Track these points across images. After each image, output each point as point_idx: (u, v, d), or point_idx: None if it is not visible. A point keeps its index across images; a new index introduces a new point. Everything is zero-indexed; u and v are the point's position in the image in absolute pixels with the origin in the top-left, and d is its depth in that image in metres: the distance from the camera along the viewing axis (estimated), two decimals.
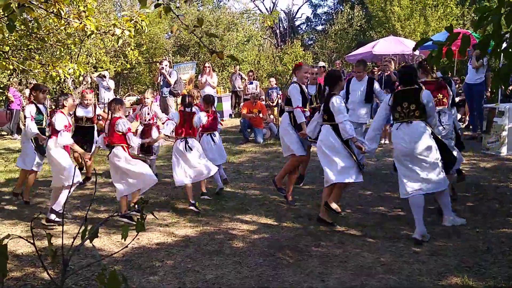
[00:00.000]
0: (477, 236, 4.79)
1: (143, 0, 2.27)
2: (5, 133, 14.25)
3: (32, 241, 1.43)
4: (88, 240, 1.47)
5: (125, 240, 1.54)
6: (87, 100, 7.24)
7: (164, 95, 12.15)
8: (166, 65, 12.15)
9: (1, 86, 12.67)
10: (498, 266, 4.07)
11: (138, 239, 4.99)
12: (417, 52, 14.48)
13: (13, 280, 4.06)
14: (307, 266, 4.20)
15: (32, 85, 7.00)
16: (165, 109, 12.07)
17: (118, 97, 14.36)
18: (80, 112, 7.21)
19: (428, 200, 6.00)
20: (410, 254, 4.41)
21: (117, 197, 5.66)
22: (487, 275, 3.91)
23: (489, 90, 10.33)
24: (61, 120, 5.57)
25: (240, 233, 5.12)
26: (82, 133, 7.18)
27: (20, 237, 1.51)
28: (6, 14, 2.55)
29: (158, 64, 15.85)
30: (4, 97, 12.98)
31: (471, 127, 10.42)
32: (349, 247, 4.62)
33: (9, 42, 3.72)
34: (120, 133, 5.51)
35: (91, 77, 13.26)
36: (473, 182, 6.71)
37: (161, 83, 12.25)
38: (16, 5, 2.57)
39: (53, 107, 14.97)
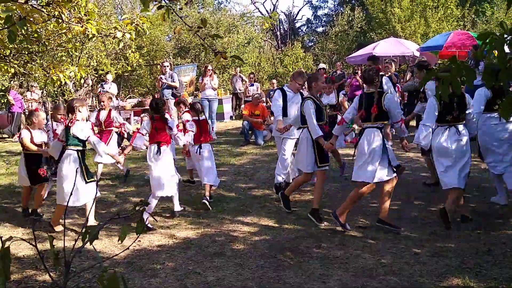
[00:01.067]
0: (478, 237, 4.79)
1: (145, 2, 2.27)
2: (6, 136, 14.29)
3: (34, 243, 1.44)
4: (89, 242, 1.47)
5: (121, 242, 1.55)
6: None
7: (166, 98, 12.19)
8: (167, 66, 12.22)
9: (2, 89, 12.72)
10: (499, 267, 4.07)
11: (139, 241, 5.00)
12: (417, 54, 14.54)
13: (15, 282, 4.07)
14: (308, 268, 4.20)
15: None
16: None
17: (119, 100, 14.42)
18: (39, 137, 5.96)
19: (430, 201, 6.02)
20: (411, 255, 4.41)
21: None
22: (488, 276, 3.91)
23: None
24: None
25: (241, 235, 5.13)
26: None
27: (22, 239, 1.51)
28: (7, 26, 2.55)
29: (159, 66, 15.93)
30: (5, 100, 13.02)
31: None
32: (350, 249, 4.63)
33: (10, 45, 3.74)
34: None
35: (91, 80, 13.32)
36: (475, 183, 6.71)
37: (163, 85, 12.31)
38: (18, 18, 2.58)
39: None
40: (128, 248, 4.26)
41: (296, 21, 37.20)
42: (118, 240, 1.48)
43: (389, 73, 10.46)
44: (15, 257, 4.63)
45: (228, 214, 5.87)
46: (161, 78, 12.14)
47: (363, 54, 16.06)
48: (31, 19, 2.73)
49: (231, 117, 16.40)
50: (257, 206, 6.19)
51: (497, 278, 3.86)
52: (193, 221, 5.66)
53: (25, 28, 2.78)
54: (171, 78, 12.21)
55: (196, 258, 4.51)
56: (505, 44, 1.86)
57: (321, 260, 4.37)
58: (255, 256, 4.51)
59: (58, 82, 4.37)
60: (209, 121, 12.19)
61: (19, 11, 2.68)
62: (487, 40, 1.89)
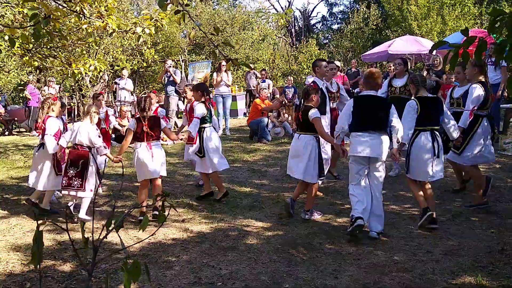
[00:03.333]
0: (491, 236, 4.79)
1: (163, 5, 2.34)
2: (24, 130, 14.54)
3: (66, 228, 1.51)
4: (115, 230, 1.54)
5: (143, 231, 1.61)
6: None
7: (167, 94, 12.38)
8: (170, 66, 12.39)
9: (22, 83, 12.94)
10: None
11: (154, 234, 5.09)
12: (434, 52, 14.43)
13: (34, 272, 4.17)
14: (320, 263, 4.24)
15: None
16: (168, 107, 12.32)
17: (134, 95, 14.55)
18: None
19: (444, 200, 6.01)
20: (424, 253, 4.42)
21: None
22: (501, 275, 3.91)
23: (506, 90, 10.19)
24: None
25: (254, 230, 5.18)
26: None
27: (56, 224, 1.58)
28: (32, 24, 2.65)
29: (163, 63, 16.06)
30: (24, 94, 13.26)
31: None
32: (363, 245, 4.65)
33: (32, 40, 3.83)
34: None
35: (108, 75, 13.48)
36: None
37: (165, 81, 12.47)
38: (43, 16, 2.67)
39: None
40: (142, 241, 4.36)
41: (311, 18, 37.07)
42: (140, 229, 1.54)
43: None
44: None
45: (241, 210, 5.93)
46: (169, 66, 12.32)
47: (379, 52, 15.97)
48: (54, 16, 2.81)
49: (244, 114, 16.45)
50: (270, 202, 6.24)
51: (510, 277, 3.85)
52: (206, 216, 5.73)
53: (49, 25, 2.87)
54: (174, 74, 12.36)
55: (210, 252, 4.58)
56: None
57: (334, 256, 4.41)
58: (268, 251, 4.56)
59: (79, 75, 4.46)
60: (223, 118, 12.39)
61: (43, 10, 2.77)
62: (498, 18, 1.91)
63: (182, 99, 17.15)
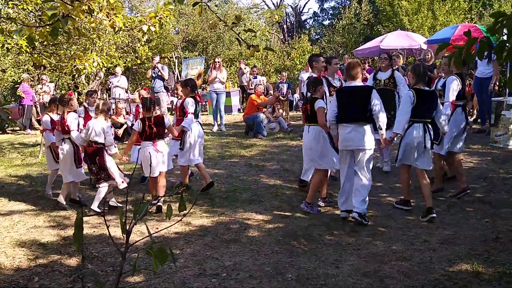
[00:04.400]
0: (486, 225, 4.93)
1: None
2: (18, 128, 14.50)
3: (103, 215, 1.58)
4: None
5: (169, 219, 1.70)
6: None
7: (156, 91, 12.35)
8: (157, 62, 12.42)
9: (18, 82, 12.87)
10: (507, 253, 4.20)
11: (157, 228, 5.17)
12: (424, 46, 14.58)
13: (41, 266, 4.24)
14: (321, 254, 4.35)
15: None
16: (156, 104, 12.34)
17: (128, 93, 14.57)
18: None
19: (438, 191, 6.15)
20: (421, 242, 4.55)
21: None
22: (496, 262, 4.05)
23: (497, 83, 10.37)
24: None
25: (255, 223, 5.28)
26: None
27: (95, 212, 1.66)
28: (51, 22, 2.74)
29: (166, 59, 16.09)
30: (18, 93, 13.23)
31: (479, 120, 10.50)
32: (361, 236, 4.78)
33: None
34: None
35: (103, 73, 13.49)
36: (482, 174, 6.83)
37: (152, 78, 12.46)
38: (61, 16, 2.76)
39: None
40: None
41: (302, 14, 37.16)
42: (166, 217, 1.63)
43: (396, 66, 10.55)
44: (39, 243, 4.81)
45: (241, 204, 6.02)
46: (157, 62, 12.37)
47: (371, 47, 16.10)
48: (73, 16, 2.89)
49: (239, 110, 16.53)
50: (269, 196, 6.33)
51: (505, 264, 3.99)
52: (207, 210, 5.82)
53: (67, 24, 2.95)
54: (162, 70, 12.39)
55: (212, 245, 4.68)
56: None
57: (334, 246, 4.53)
58: (270, 243, 4.67)
59: (84, 71, 4.54)
60: (218, 114, 12.47)
61: (62, 9, 2.85)
62: (499, 19, 2.00)
63: (175, 95, 17.24)
